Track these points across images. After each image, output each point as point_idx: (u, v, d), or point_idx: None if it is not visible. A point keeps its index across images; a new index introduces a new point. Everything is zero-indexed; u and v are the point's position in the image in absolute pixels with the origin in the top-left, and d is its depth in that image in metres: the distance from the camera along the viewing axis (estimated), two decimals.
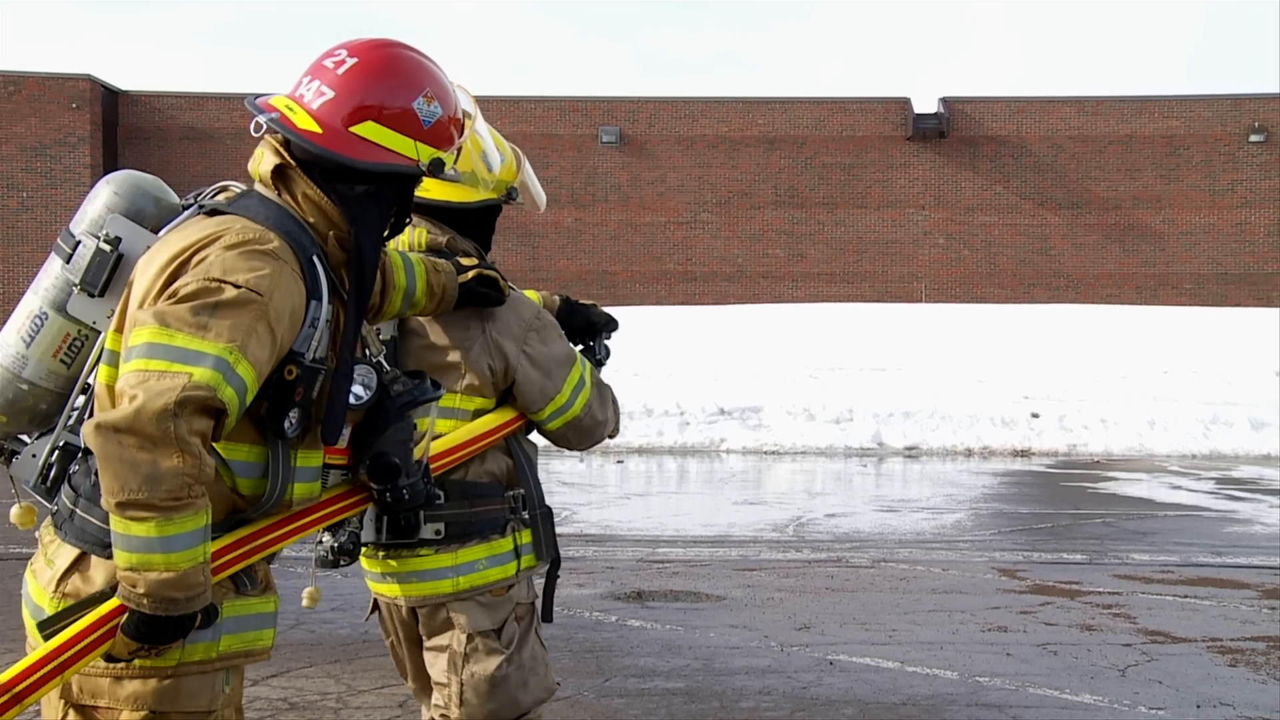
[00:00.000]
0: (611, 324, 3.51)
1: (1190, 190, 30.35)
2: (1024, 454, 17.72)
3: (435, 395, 2.57)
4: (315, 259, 2.39)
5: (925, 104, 30.99)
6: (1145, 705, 5.53)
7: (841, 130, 30.95)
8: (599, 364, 3.46)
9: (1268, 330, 24.48)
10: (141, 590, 2.17)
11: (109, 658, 2.27)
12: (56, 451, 2.52)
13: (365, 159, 2.41)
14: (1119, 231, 30.48)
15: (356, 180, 2.44)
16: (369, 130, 2.42)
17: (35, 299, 2.53)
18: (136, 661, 2.29)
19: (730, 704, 5.50)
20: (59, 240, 2.51)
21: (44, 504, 2.55)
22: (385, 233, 2.55)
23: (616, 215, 30.98)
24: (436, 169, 2.49)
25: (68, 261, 2.48)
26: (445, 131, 2.52)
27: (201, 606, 2.23)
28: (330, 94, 2.42)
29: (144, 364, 2.17)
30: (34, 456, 2.55)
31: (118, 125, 30.84)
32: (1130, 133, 30.40)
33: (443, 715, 3.09)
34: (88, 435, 2.15)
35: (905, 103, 30.86)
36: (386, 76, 2.45)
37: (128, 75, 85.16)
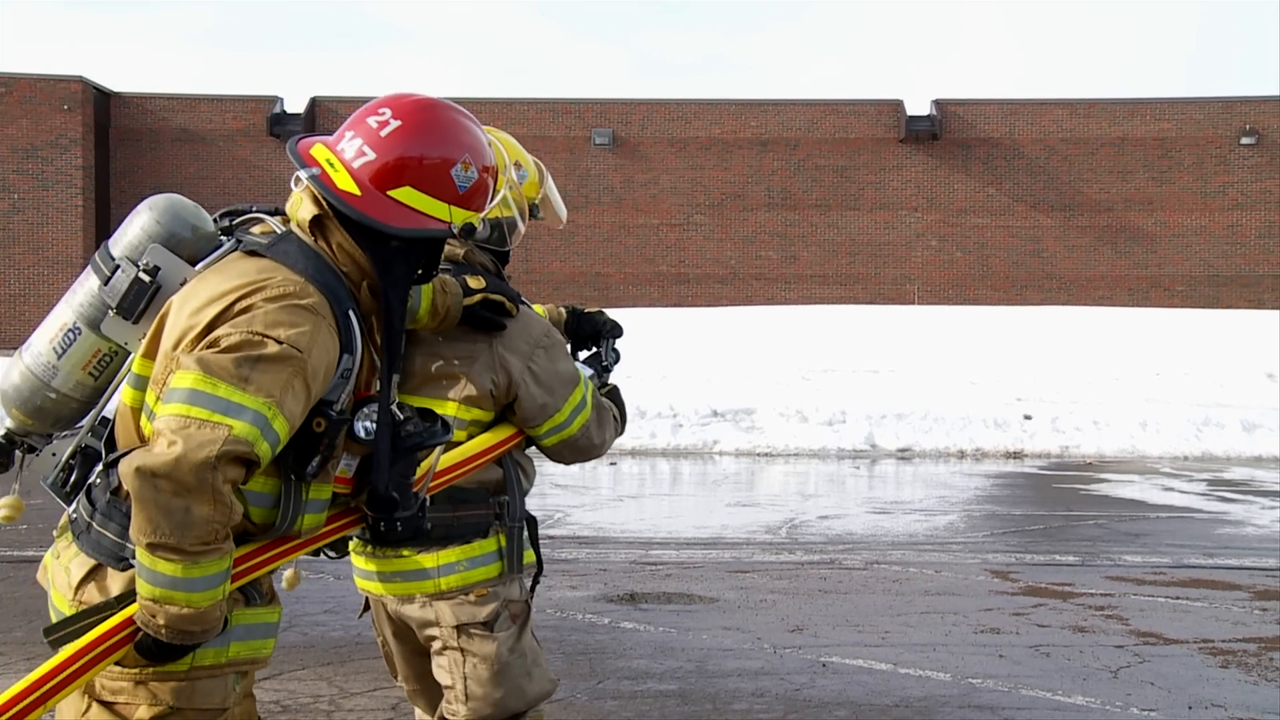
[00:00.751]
0: (617, 329, 3.54)
1: (1182, 192, 30.43)
2: (1016, 456, 17.75)
3: (445, 438, 2.62)
4: (350, 312, 2.45)
5: (918, 106, 31.07)
6: (1137, 707, 5.54)
7: (834, 132, 30.98)
8: (606, 369, 3.47)
9: (1259, 332, 24.53)
10: (161, 621, 2.26)
11: (121, 665, 2.36)
12: (78, 454, 2.57)
13: (400, 225, 2.46)
14: (1111, 234, 30.55)
15: (388, 238, 2.49)
16: (406, 195, 2.47)
17: (69, 312, 2.58)
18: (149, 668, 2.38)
19: (723, 706, 5.51)
20: (96, 258, 2.56)
21: (61, 504, 2.60)
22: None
23: (610, 217, 31.00)
24: (468, 233, 2.55)
25: (105, 283, 2.53)
26: (480, 195, 2.58)
27: (214, 636, 2.34)
28: (371, 155, 2.47)
29: (185, 410, 2.23)
30: (53, 455, 2.61)
31: (110, 127, 30.78)
32: (1122, 135, 30.47)
33: (451, 715, 3.10)
34: (125, 475, 2.22)
35: (898, 105, 30.91)
36: (427, 141, 2.50)
37: (120, 77, 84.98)
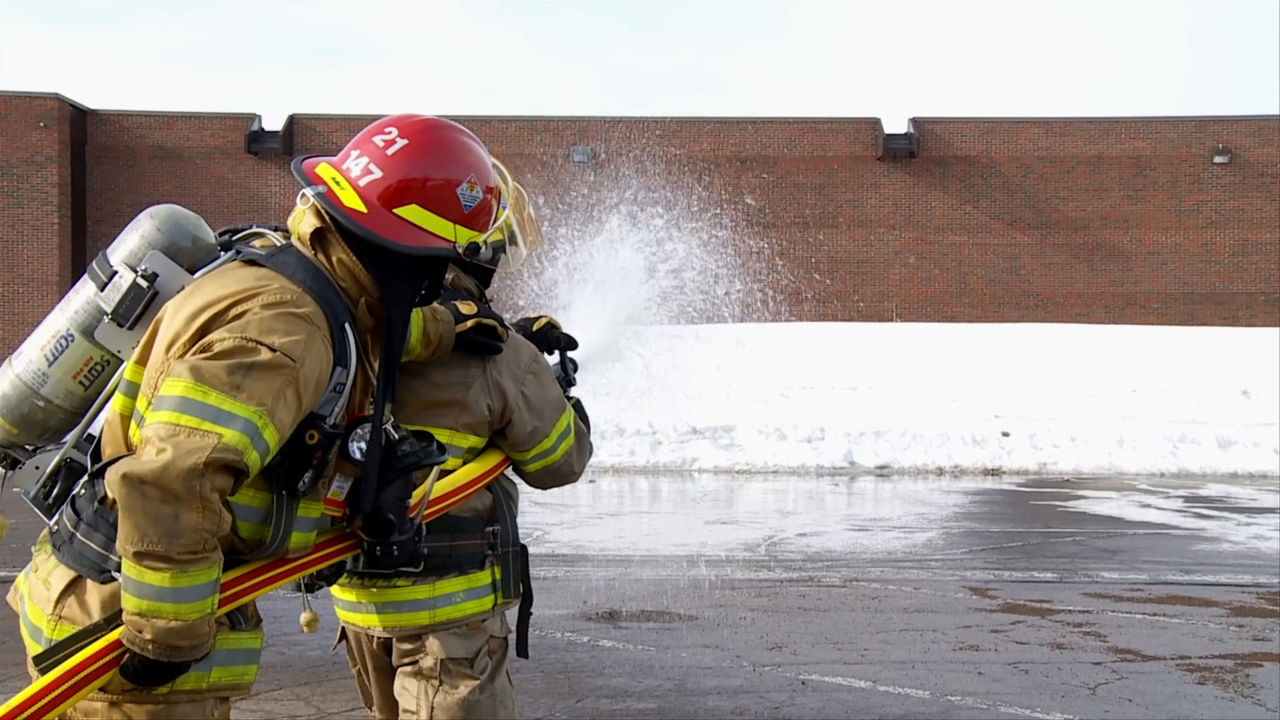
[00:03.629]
0: (573, 343, 3.50)
1: (1157, 211, 30.64)
2: (995, 473, 17.80)
3: (440, 459, 2.61)
4: (346, 325, 2.43)
5: (895, 124, 31.21)
6: None
7: (812, 150, 31.09)
8: (570, 383, 3.45)
9: (1235, 349, 24.70)
10: (148, 636, 2.21)
11: (105, 690, 2.31)
12: (62, 468, 2.54)
13: (406, 242, 2.46)
14: (1087, 251, 30.72)
15: (392, 255, 2.48)
16: (412, 213, 2.47)
17: (63, 319, 2.56)
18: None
19: None
20: (94, 265, 2.55)
21: (42, 517, 2.57)
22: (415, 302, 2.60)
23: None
24: (472, 253, 2.54)
25: (102, 289, 2.51)
26: (484, 215, 2.58)
27: (202, 654, 2.28)
28: (378, 174, 2.47)
29: (176, 418, 2.21)
30: (36, 468, 2.58)
31: (86, 144, 30.63)
32: (1098, 153, 30.67)
33: None
34: (112, 482, 2.18)
35: (875, 123, 31.05)
36: (434, 160, 2.51)
37: (96, 94, 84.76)
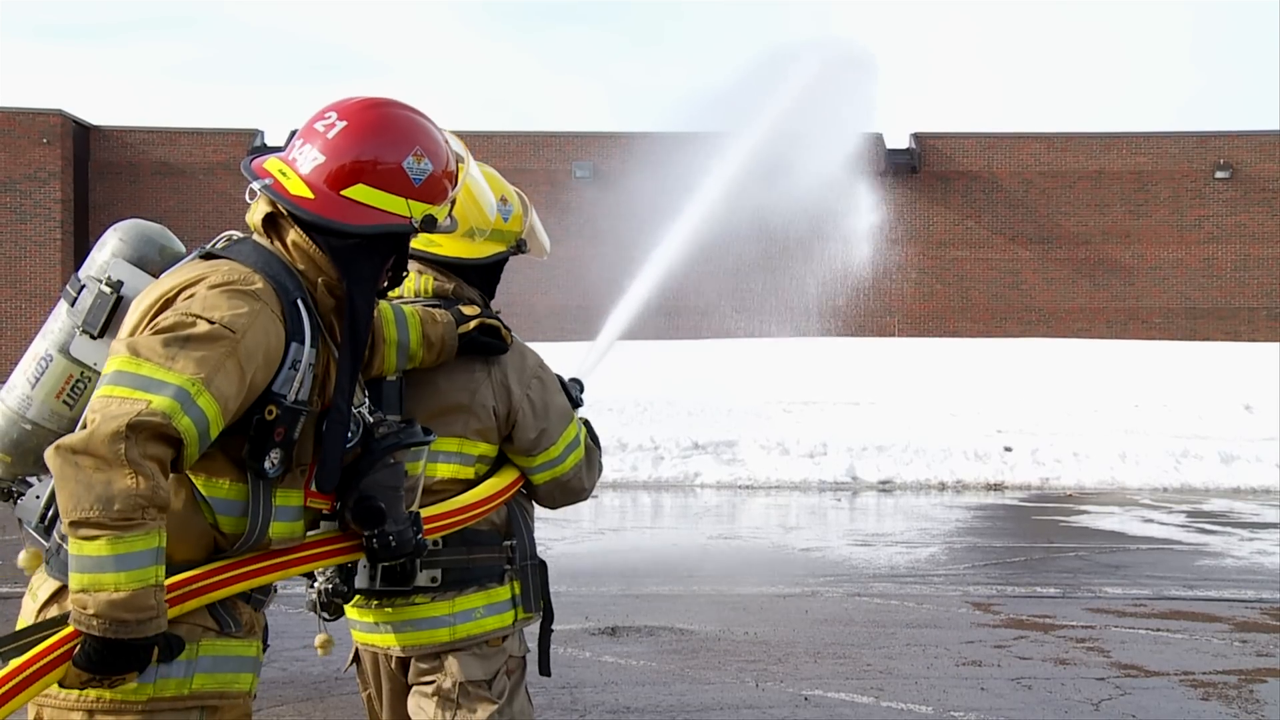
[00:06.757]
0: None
1: (1158, 225, 30.65)
2: (997, 488, 17.77)
3: (424, 440, 2.59)
4: (299, 302, 2.43)
5: (897, 139, 31.22)
6: None
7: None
8: (578, 403, 3.43)
9: (1236, 364, 24.67)
10: (91, 611, 2.17)
11: (62, 685, 2.26)
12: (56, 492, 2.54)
13: (357, 222, 2.46)
14: (1089, 266, 30.73)
15: (347, 235, 2.49)
16: (360, 193, 2.47)
17: (42, 342, 2.60)
18: (109, 695, 2.27)
19: None
20: (67, 286, 2.60)
21: (41, 542, 2.57)
22: (384, 284, 2.59)
23: (590, 250, 31.03)
24: (429, 225, 2.53)
25: (73, 305, 2.56)
26: (438, 187, 2.56)
27: (153, 632, 2.20)
28: (321, 158, 2.48)
29: (110, 390, 2.23)
30: (37, 498, 2.59)
31: (89, 160, 30.70)
32: (1099, 168, 30.70)
33: None
34: (48, 456, 2.19)
35: (877, 138, 31.07)
36: (376, 137, 2.50)
37: (99, 110, 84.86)
